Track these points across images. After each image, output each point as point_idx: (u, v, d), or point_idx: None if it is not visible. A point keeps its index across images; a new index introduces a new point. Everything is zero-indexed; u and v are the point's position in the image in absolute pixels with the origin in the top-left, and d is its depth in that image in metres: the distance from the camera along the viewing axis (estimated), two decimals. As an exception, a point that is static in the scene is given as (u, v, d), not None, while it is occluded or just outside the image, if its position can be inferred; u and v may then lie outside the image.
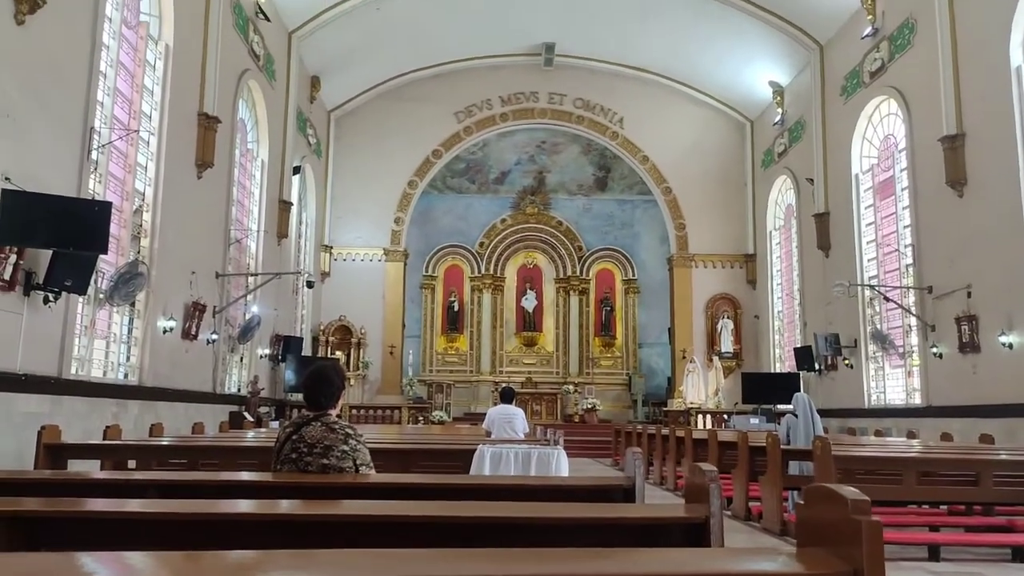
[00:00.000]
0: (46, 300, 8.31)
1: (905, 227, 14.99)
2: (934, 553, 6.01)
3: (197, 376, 13.04)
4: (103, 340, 10.56)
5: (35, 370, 8.26)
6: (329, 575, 1.53)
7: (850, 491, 1.58)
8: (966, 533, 6.81)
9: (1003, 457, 6.92)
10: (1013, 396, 11.35)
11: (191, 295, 12.55)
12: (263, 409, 15.72)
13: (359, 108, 22.76)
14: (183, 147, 12.40)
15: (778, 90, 20.59)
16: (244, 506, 2.75)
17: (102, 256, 9.05)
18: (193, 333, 12.54)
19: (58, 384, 8.78)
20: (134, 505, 2.68)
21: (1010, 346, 11.54)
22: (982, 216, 12.34)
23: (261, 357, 16.52)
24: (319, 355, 20.39)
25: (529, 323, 23.46)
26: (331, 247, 22.28)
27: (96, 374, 10.26)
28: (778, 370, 20.66)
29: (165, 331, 11.70)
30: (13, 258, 7.69)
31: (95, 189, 9.92)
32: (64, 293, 8.46)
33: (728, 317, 22.41)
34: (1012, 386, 11.41)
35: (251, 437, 8.08)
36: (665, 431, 12.41)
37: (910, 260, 14.67)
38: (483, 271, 23.49)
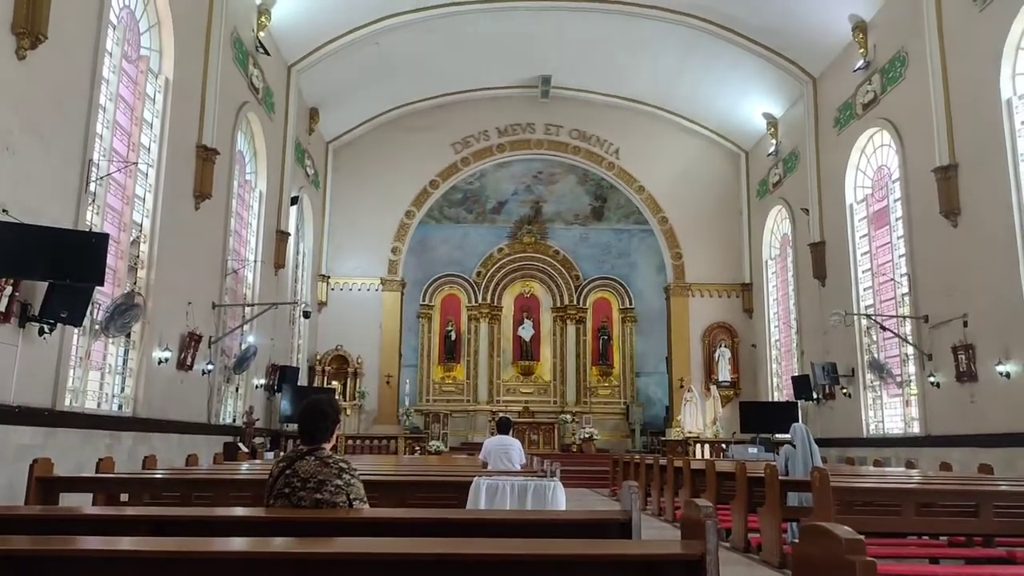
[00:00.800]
0: (41, 331, 8.29)
1: (900, 256, 15.06)
2: (935, 586, 5.94)
3: (192, 407, 12.97)
4: (98, 371, 10.52)
5: (29, 402, 8.21)
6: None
7: (844, 530, 1.58)
8: (966, 565, 6.74)
9: (1003, 488, 6.87)
10: (1011, 425, 11.32)
11: (187, 325, 12.53)
12: (258, 440, 15.61)
13: (357, 139, 22.96)
14: (181, 179, 12.47)
15: (772, 121, 20.82)
16: (237, 544, 2.72)
17: (98, 287, 9.04)
18: (188, 363, 12.50)
19: (52, 416, 8.72)
20: (126, 543, 2.65)
21: (1007, 375, 11.53)
22: (977, 245, 12.42)
23: (257, 387, 16.44)
24: (315, 385, 20.31)
25: (526, 352, 23.42)
26: (328, 277, 22.31)
27: (90, 405, 10.20)
28: (776, 399, 20.60)
29: (160, 362, 11.65)
30: (9, 290, 7.68)
31: (93, 220, 9.95)
32: (59, 324, 8.44)
33: (725, 346, 22.40)
34: (1010, 415, 11.39)
35: (245, 469, 8.01)
36: (663, 461, 12.32)
37: (906, 289, 14.71)
38: (480, 300, 23.51)
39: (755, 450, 15.49)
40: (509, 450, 8.77)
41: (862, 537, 1.55)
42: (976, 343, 12.31)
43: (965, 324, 12.53)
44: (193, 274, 12.99)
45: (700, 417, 20.46)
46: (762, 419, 18.12)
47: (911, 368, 14.55)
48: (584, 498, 14.45)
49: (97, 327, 10.03)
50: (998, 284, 11.81)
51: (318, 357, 21.31)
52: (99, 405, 10.48)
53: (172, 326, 12.14)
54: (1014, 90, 11.91)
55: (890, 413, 15.54)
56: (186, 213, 12.69)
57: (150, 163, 11.74)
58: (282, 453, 7.52)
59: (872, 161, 16.52)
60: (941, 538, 7.55)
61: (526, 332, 23.47)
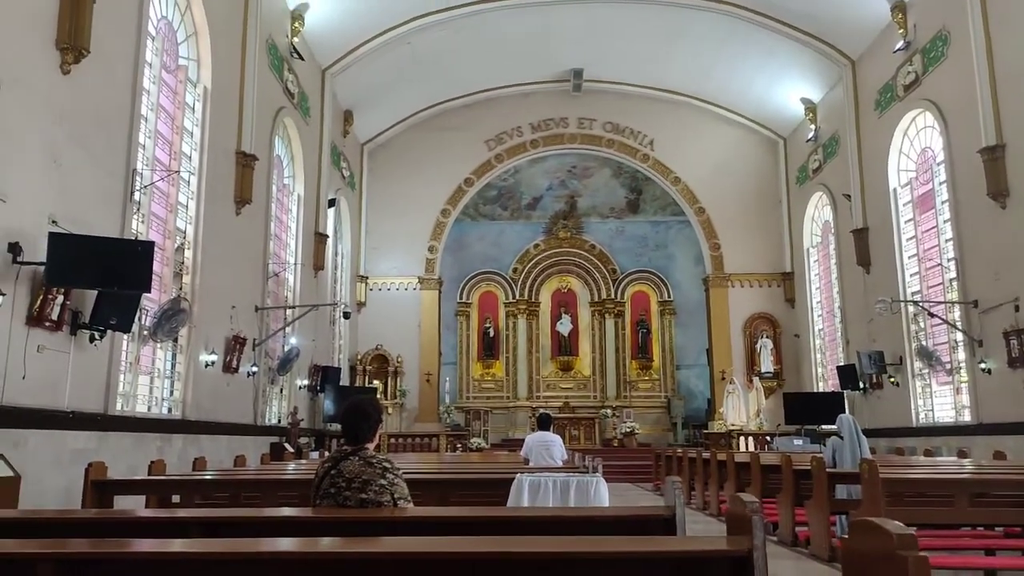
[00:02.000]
0: (92, 339, 8.53)
1: (947, 241, 14.66)
2: (992, 579, 5.79)
3: (238, 408, 13.22)
4: (147, 376, 10.78)
5: (82, 407, 8.46)
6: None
7: (895, 525, 1.55)
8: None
9: (1061, 477, 6.66)
10: (1069, 412, 10.95)
11: (231, 329, 12.78)
12: (303, 440, 15.86)
13: (391, 140, 23.14)
14: (222, 185, 12.71)
15: (810, 106, 20.41)
16: (285, 544, 2.77)
17: (145, 294, 9.27)
18: (234, 366, 12.74)
19: (104, 420, 8.97)
20: (178, 545, 2.72)
21: (1064, 360, 11.15)
22: (1027, 227, 12.02)
23: (300, 388, 16.70)
24: (357, 384, 20.54)
25: (565, 347, 23.38)
26: (367, 277, 22.53)
27: (140, 409, 10.46)
28: (821, 389, 20.24)
29: (207, 365, 11.91)
30: (60, 299, 7.92)
31: (138, 229, 10.20)
32: (109, 331, 8.67)
33: (767, 336, 22.07)
34: (1068, 402, 11.01)
35: (292, 469, 8.15)
36: (706, 455, 12.20)
37: (953, 274, 14.32)
38: (517, 296, 23.53)
39: (801, 442, 15.23)
40: (550, 446, 8.77)
41: (914, 532, 1.52)
42: (1030, 328, 11.92)
43: (1016, 308, 12.15)
44: (236, 278, 13.24)
45: (743, 409, 20.21)
46: (807, 410, 17.79)
47: (961, 355, 14.17)
48: (627, 493, 14.38)
49: (145, 333, 10.28)
50: (1052, 266, 11.42)
51: (359, 357, 21.55)
52: (149, 409, 10.74)
53: (217, 330, 12.39)
54: (1064, 65, 11.50)
55: (940, 401, 15.15)
56: (227, 218, 12.93)
57: (191, 171, 11.99)
58: (327, 453, 7.62)
59: (915, 144, 16.09)
60: (997, 529, 7.34)
61: (564, 327, 23.43)
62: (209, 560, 2.43)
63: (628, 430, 21.20)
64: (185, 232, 11.81)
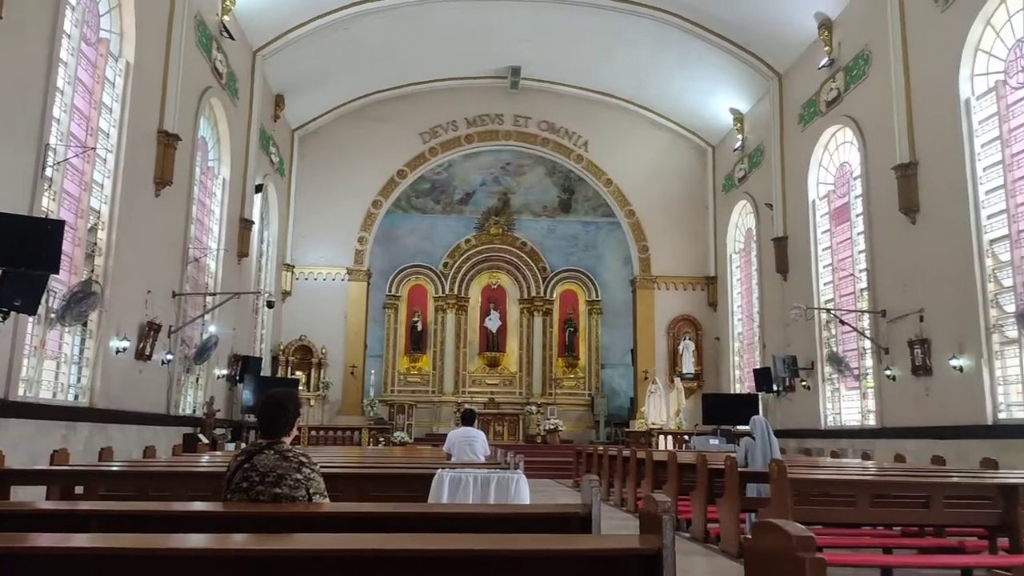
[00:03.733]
0: (-7, 320, 8.07)
1: (860, 252, 15.36)
2: (887, 575, 6.10)
3: (150, 397, 12.74)
4: (53, 360, 10.28)
5: (-20, 392, 7.99)
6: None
7: (795, 527, 1.61)
8: (918, 555, 6.92)
9: (954, 479, 7.08)
10: (964, 418, 11.65)
11: (146, 315, 12.29)
12: (219, 431, 15.41)
13: (324, 127, 22.69)
14: (141, 165, 12.20)
15: (739, 117, 21.04)
16: (195, 540, 2.68)
17: (54, 275, 8.82)
18: (147, 353, 12.27)
19: (4, 406, 8.51)
20: (79, 540, 2.59)
21: (961, 369, 11.85)
22: (934, 242, 12.72)
23: (218, 378, 16.21)
24: (279, 375, 20.09)
25: (493, 343, 23.45)
26: (293, 266, 22.05)
27: (45, 395, 9.96)
28: (738, 391, 20.92)
29: (118, 351, 11.43)
30: (-40, 277, 7.46)
31: (49, 207, 9.70)
32: (13, 313, 8.22)
33: (690, 338, 22.67)
34: (962, 408, 11.71)
35: (205, 461, 7.90)
36: (626, 453, 12.44)
37: (864, 284, 15.02)
38: (447, 291, 23.46)
39: (716, 442, 15.71)
40: (473, 442, 8.78)
41: (812, 535, 1.58)
42: (931, 337, 12.62)
43: (921, 319, 12.84)
44: (153, 262, 12.74)
45: (664, 409, 20.69)
46: (724, 411, 18.39)
47: (868, 361, 14.88)
48: (548, 489, 14.54)
49: (53, 316, 9.79)
50: (954, 280, 12.11)
51: (282, 347, 21.09)
52: (54, 395, 10.24)
53: (131, 315, 11.90)
54: (972, 90, 12.19)
55: (847, 405, 15.88)
56: (146, 200, 12.43)
57: (109, 148, 11.47)
58: (244, 445, 7.42)
59: (835, 158, 16.79)
60: (895, 528, 7.75)
61: (493, 323, 23.49)
62: (112, 556, 2.33)
63: (552, 427, 21.43)
64: (100, 212, 11.30)
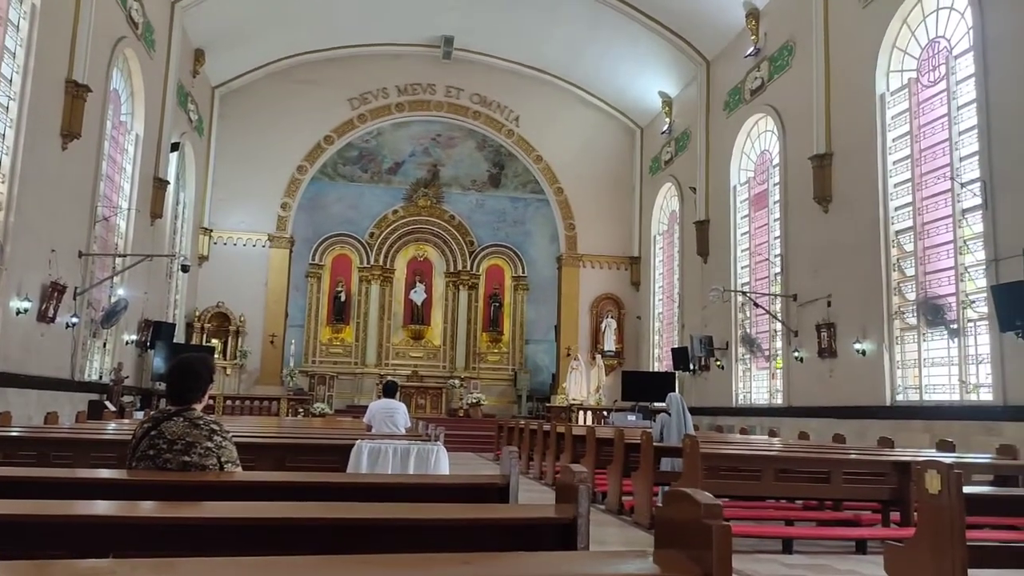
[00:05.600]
0: None
1: (775, 238, 15.92)
2: (787, 546, 6.41)
3: (53, 362, 12.13)
4: (-56, 321, 9.64)
5: None
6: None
7: (704, 496, 1.66)
8: (817, 527, 7.31)
9: (852, 456, 7.48)
10: (864, 399, 12.32)
11: (50, 275, 11.65)
12: (127, 398, 14.83)
13: (247, 87, 21.84)
14: (47, 116, 11.48)
15: (667, 100, 21.37)
16: (100, 508, 2.57)
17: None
18: (50, 315, 11.65)
19: None
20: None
21: (863, 352, 12.50)
22: (844, 231, 13.30)
23: (127, 343, 15.56)
24: (193, 343, 19.45)
25: (417, 316, 23.30)
26: (211, 230, 21.26)
27: (-65, 358, 9.35)
28: (656, 369, 21.48)
29: (19, 312, 10.81)
30: None
31: (-60, 155, 9.03)
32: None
33: (612, 317, 23.10)
34: (863, 389, 12.38)
35: (111, 429, 7.59)
36: (547, 427, 12.63)
37: (778, 269, 15.60)
38: (372, 262, 23.14)
39: (634, 418, 16.12)
40: (394, 414, 8.72)
41: (720, 503, 1.63)
42: (837, 322, 13.25)
43: (829, 304, 13.45)
44: (58, 220, 12.06)
45: (584, 385, 21.07)
46: (642, 388, 18.88)
47: (779, 343, 15.51)
48: (469, 462, 14.63)
49: (-56, 272, 9.16)
50: (860, 268, 12.72)
51: (197, 314, 20.39)
52: (-55, 357, 9.62)
53: (33, 274, 11.26)
54: (887, 86, 12.74)
55: (757, 385, 16.54)
56: (52, 153, 11.72)
57: (11, 96, 10.75)
58: (152, 413, 7.16)
59: (756, 145, 17.30)
60: (797, 502, 8.15)
61: (418, 296, 23.33)
62: (12, 523, 2.21)
63: (474, 401, 21.54)
64: (0, 163, 10.59)
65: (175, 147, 17.58)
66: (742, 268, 17.40)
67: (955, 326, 11.08)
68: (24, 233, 10.84)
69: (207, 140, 21.11)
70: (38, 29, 11.04)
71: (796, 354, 14.36)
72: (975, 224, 10.86)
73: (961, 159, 11.27)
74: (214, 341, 20.21)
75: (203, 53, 19.29)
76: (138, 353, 16.40)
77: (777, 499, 8.12)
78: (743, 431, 14.04)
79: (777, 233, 15.79)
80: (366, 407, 10.48)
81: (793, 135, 15.11)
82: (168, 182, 17.17)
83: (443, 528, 2.47)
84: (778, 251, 15.67)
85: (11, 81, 10.74)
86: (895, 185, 12.52)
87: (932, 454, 7.55)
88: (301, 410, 18.98)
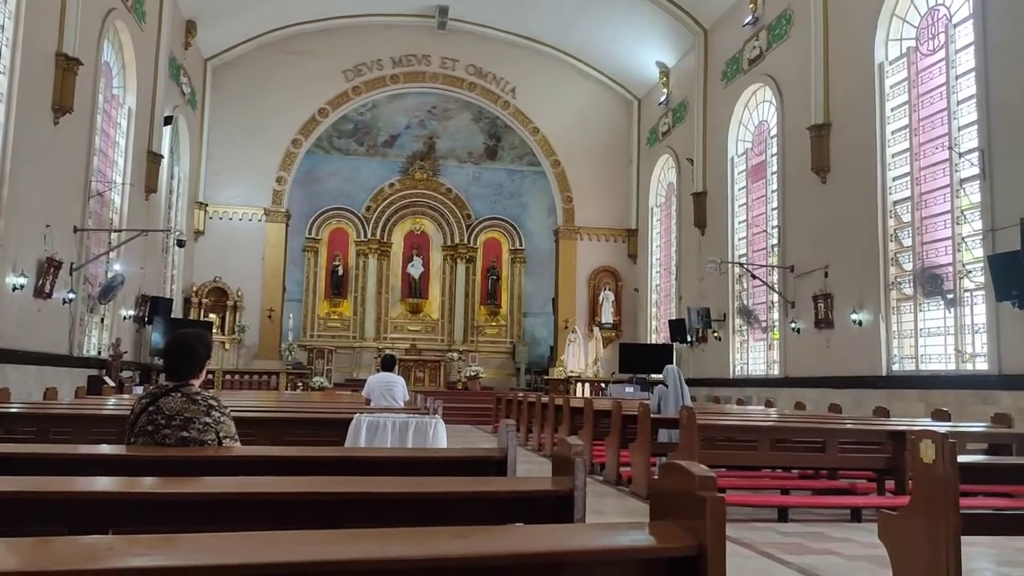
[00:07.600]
0: None
1: (773, 209, 15.89)
2: (783, 514, 6.48)
3: (51, 338, 12.14)
4: (-59, 297, 9.62)
5: None
6: (192, 561, 1.44)
7: (698, 468, 1.67)
8: (813, 496, 7.39)
9: (847, 426, 7.54)
10: (860, 369, 12.39)
11: (45, 250, 11.61)
12: (126, 374, 14.87)
13: (240, 59, 21.59)
14: (38, 89, 11.35)
15: (664, 71, 21.17)
16: (101, 484, 2.58)
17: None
18: (47, 291, 11.63)
19: None
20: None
21: (859, 323, 12.54)
22: (842, 202, 13.26)
23: (125, 319, 15.56)
24: (191, 318, 19.46)
25: (415, 290, 23.31)
26: (206, 205, 21.16)
27: (-68, 335, 9.34)
28: (654, 341, 21.56)
29: (15, 288, 10.79)
30: None
31: (-69, 130, 8.94)
32: None
33: (609, 289, 23.12)
34: (860, 360, 12.44)
35: (111, 404, 7.62)
36: (545, 399, 12.69)
37: (776, 240, 15.58)
38: (369, 235, 23.08)
39: (631, 389, 16.21)
40: (393, 387, 8.75)
41: (714, 475, 1.64)
42: (834, 293, 13.28)
43: (826, 275, 13.47)
44: (52, 195, 11.99)
45: (582, 357, 21.15)
46: (640, 360, 18.96)
47: (776, 314, 15.55)
48: (467, 435, 14.73)
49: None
50: (858, 239, 12.71)
51: (194, 289, 20.38)
52: (-58, 334, 9.62)
53: (28, 251, 11.22)
54: (886, 55, 12.62)
55: (754, 356, 16.62)
56: (44, 128, 11.61)
57: (1, 70, 10.60)
58: (150, 388, 7.18)
59: (754, 116, 17.18)
60: (793, 471, 8.22)
61: (415, 269, 23.31)
62: (11, 499, 2.22)
63: (472, 374, 21.63)
64: (-9, 139, 10.49)
65: (168, 120, 17.42)
66: (739, 239, 17.38)
67: (951, 296, 11.11)
68: (18, 209, 10.78)
69: (200, 113, 20.92)
70: (26, 1, 10.87)
71: (793, 325, 14.41)
72: (973, 194, 10.84)
73: (959, 128, 11.21)
74: (212, 316, 20.22)
75: (195, 25, 19.03)
76: (136, 328, 16.41)
77: (773, 468, 8.19)
78: (740, 402, 14.13)
79: (775, 204, 15.75)
80: (364, 381, 10.53)
81: (791, 105, 15.00)
82: (162, 156, 17.05)
83: (441, 501, 2.49)
84: (775, 222, 15.64)
85: (1, 55, 10.59)
86: (893, 155, 12.46)
87: (927, 423, 7.61)
88: (300, 384, 19.06)
